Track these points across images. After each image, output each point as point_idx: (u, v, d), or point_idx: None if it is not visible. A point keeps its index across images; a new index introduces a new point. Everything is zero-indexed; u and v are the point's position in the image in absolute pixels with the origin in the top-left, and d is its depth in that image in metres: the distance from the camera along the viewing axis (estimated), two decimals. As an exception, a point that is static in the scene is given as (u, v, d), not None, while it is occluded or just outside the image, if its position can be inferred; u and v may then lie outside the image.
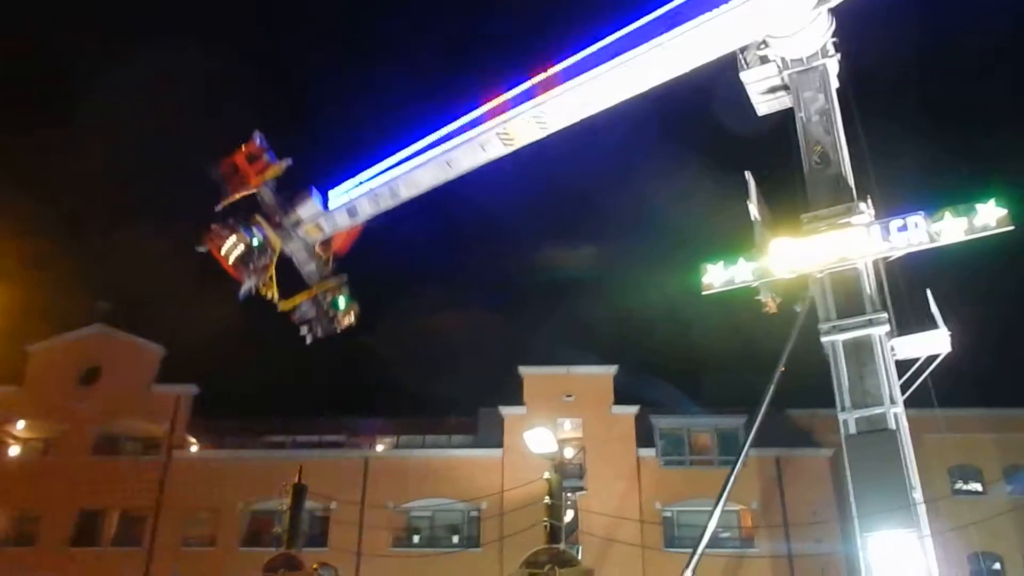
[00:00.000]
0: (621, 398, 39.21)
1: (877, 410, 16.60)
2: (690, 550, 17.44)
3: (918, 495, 15.95)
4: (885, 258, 17.64)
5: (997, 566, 36.46)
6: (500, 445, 38.01)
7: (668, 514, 37.38)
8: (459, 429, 40.97)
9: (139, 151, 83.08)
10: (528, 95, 17.77)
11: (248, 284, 18.38)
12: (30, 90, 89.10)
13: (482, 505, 37.18)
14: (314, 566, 18.91)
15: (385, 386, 52.11)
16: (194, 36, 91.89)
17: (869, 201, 18.33)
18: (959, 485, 37.30)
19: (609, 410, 38.89)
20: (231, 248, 18.20)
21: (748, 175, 18.80)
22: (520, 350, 41.85)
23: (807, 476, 37.26)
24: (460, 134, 18.35)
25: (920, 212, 17.01)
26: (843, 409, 16.98)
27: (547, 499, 15.85)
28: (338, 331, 19.76)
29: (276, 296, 18.83)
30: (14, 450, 40.95)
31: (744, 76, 19.81)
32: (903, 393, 17.03)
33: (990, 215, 16.44)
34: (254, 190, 18.73)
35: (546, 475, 16.08)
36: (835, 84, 19.31)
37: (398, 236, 19.43)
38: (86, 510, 38.35)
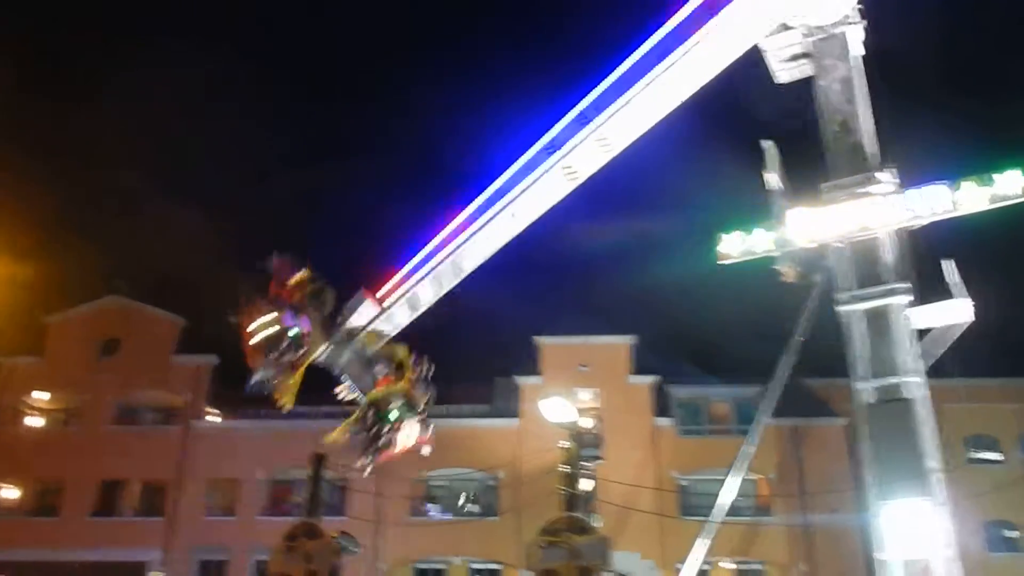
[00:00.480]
0: (638, 368, 39.24)
1: (894, 380, 16.52)
2: (707, 519, 17.48)
3: (935, 464, 15.90)
4: (906, 227, 17.46)
5: (1015, 534, 36.51)
6: (517, 415, 38.15)
7: (685, 483, 37.53)
8: (475, 399, 41.10)
9: (153, 137, 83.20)
10: (584, 118, 16.23)
11: (261, 375, 14.99)
12: (44, 74, 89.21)
13: (499, 474, 37.44)
14: (333, 535, 19.05)
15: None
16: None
17: (891, 170, 18.10)
18: (975, 454, 37.28)
19: (626, 380, 38.97)
20: (262, 326, 14.80)
21: (764, 144, 18.57)
22: (537, 320, 41.74)
23: (824, 445, 37.29)
24: (519, 180, 16.24)
25: (942, 181, 16.79)
26: (860, 379, 16.90)
27: (564, 468, 15.88)
28: (392, 452, 16.07)
29: (289, 404, 15.50)
30: (36, 421, 41.46)
31: (765, 43, 19.44)
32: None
33: (1014, 184, 16.24)
34: (301, 306, 15.34)
35: (563, 444, 16.11)
36: (859, 52, 18.99)
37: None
38: (107, 480, 38.89)
